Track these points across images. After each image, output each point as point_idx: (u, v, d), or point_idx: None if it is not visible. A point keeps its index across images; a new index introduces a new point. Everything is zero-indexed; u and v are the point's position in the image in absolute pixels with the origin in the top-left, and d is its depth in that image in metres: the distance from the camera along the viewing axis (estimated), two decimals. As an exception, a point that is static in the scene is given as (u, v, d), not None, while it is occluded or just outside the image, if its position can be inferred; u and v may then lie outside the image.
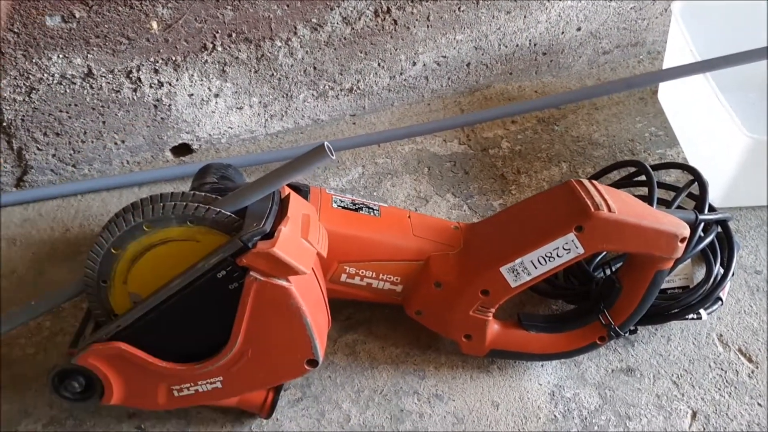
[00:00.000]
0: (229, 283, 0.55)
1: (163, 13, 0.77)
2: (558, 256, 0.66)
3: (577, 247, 0.65)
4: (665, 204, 0.80)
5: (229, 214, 0.57)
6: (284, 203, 0.61)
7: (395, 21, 0.89)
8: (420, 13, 0.89)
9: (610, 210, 0.64)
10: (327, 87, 0.93)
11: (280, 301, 0.55)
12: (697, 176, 0.78)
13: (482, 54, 0.98)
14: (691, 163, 0.92)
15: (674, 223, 0.65)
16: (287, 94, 0.92)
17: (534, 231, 0.67)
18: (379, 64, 0.93)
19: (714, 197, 0.88)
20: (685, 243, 0.66)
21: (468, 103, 1.02)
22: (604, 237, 0.64)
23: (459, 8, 0.91)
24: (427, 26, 0.91)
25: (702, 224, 0.73)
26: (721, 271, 0.76)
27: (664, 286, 0.76)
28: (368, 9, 0.86)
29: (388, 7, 0.87)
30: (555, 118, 0.99)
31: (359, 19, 0.87)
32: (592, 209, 0.63)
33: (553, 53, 1.02)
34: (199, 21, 0.79)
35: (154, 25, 0.78)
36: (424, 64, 0.96)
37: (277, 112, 0.93)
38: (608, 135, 0.97)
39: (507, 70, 1.02)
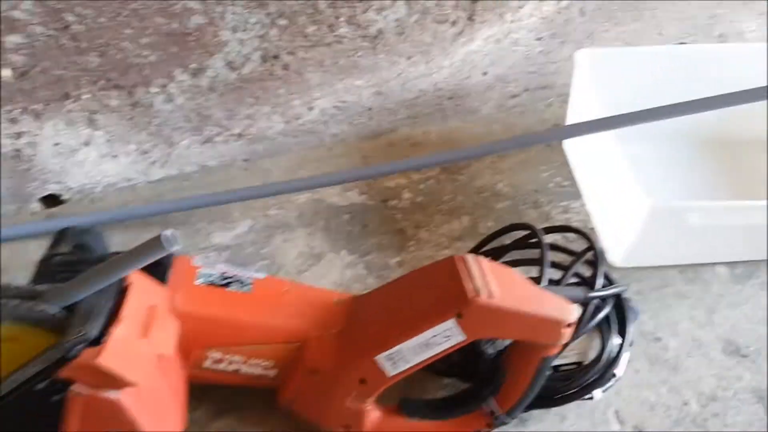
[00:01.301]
0: (50, 395, 0.49)
1: (16, 60, 0.70)
2: (438, 343, 0.61)
3: (457, 334, 0.60)
4: (563, 269, 0.77)
5: (54, 312, 0.51)
6: (124, 295, 0.54)
7: (286, 66, 0.83)
8: (313, 59, 0.84)
9: (490, 295, 0.59)
10: (214, 133, 0.87)
11: (108, 416, 0.49)
12: (591, 242, 0.74)
13: (384, 99, 0.93)
14: (594, 219, 0.89)
15: (560, 308, 0.61)
16: (168, 141, 0.85)
17: (412, 316, 0.62)
18: (271, 109, 0.87)
19: (615, 257, 0.85)
20: (573, 328, 0.62)
21: (371, 149, 0.96)
22: (483, 324, 0.60)
23: (356, 54, 0.85)
24: (322, 71, 0.86)
25: (594, 301, 0.70)
26: (617, 345, 0.73)
27: (556, 362, 0.72)
28: (255, 54, 0.80)
29: (276, 53, 0.81)
30: (459, 167, 0.94)
31: (245, 64, 0.81)
32: (471, 294, 0.59)
33: (460, 98, 0.98)
34: (60, 68, 0.72)
35: (7, 73, 0.70)
36: (322, 109, 0.90)
37: (157, 159, 0.86)
38: (512, 185, 0.93)
39: (412, 114, 0.97)
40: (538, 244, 0.77)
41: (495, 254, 0.81)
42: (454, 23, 0.87)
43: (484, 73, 0.96)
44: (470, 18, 0.88)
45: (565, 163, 0.96)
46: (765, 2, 1.05)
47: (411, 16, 0.84)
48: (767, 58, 0.91)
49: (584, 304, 0.69)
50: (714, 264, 0.87)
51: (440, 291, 0.62)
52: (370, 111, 0.94)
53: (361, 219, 0.88)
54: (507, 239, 0.81)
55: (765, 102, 0.80)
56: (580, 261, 0.74)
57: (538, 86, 1.02)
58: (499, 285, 0.61)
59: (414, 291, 0.65)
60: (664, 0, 0.97)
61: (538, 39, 0.95)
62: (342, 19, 0.81)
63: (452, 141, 0.98)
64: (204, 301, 0.63)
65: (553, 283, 0.74)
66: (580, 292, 0.68)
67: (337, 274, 0.83)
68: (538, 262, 0.72)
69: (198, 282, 0.65)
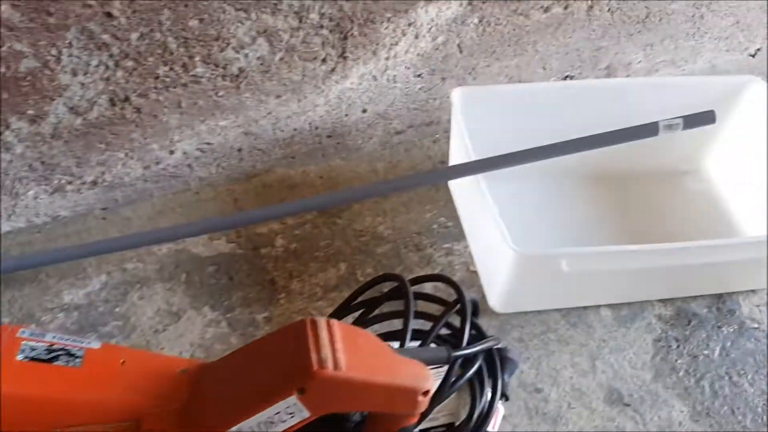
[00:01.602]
0: None
1: None
2: (282, 421, 0.55)
3: (301, 411, 0.55)
4: (433, 319, 0.72)
5: None
6: None
7: (138, 109, 0.77)
8: (168, 101, 0.78)
9: (337, 366, 0.54)
10: (64, 181, 0.80)
11: None
12: (460, 296, 0.70)
13: (255, 139, 0.88)
14: (476, 261, 0.86)
15: (415, 375, 0.57)
16: (11, 192, 0.77)
17: (252, 392, 0.56)
18: (126, 155, 0.81)
19: (495, 303, 0.81)
20: (429, 395, 0.57)
21: (243, 192, 0.91)
22: (330, 398, 0.55)
23: (216, 94, 0.80)
24: (180, 113, 0.80)
25: (461, 359, 0.66)
26: (488, 401, 0.69)
27: (426, 425, 0.67)
28: (101, 98, 0.74)
29: (126, 95, 0.75)
30: (338, 209, 0.90)
31: (91, 108, 0.74)
32: (315, 367, 0.53)
33: (339, 135, 0.93)
34: None
35: None
36: (185, 152, 0.84)
37: (1, 212, 0.79)
38: (394, 227, 0.89)
39: (288, 154, 0.92)
40: (422, 297, 0.73)
41: (368, 306, 0.76)
42: (324, 61, 0.83)
43: (364, 111, 0.92)
44: (342, 55, 0.83)
45: (450, 201, 0.92)
46: (650, 34, 1.05)
47: (275, 54, 0.79)
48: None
49: (450, 363, 0.65)
50: (598, 306, 0.85)
51: (284, 363, 0.56)
52: (240, 152, 0.88)
53: (228, 270, 0.82)
54: (386, 287, 0.77)
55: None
56: (447, 316, 0.69)
57: (423, 122, 0.98)
58: (349, 353, 0.56)
59: (258, 362, 0.59)
60: (546, 34, 0.96)
61: (418, 76, 0.91)
62: (197, 58, 0.75)
63: (333, 180, 0.94)
64: (25, 379, 0.56)
65: (422, 335, 0.70)
66: (443, 351, 0.64)
67: (196, 334, 0.77)
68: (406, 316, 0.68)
69: (20, 357, 0.58)
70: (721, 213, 0.96)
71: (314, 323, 0.59)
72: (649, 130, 0.74)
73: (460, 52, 0.92)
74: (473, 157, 0.78)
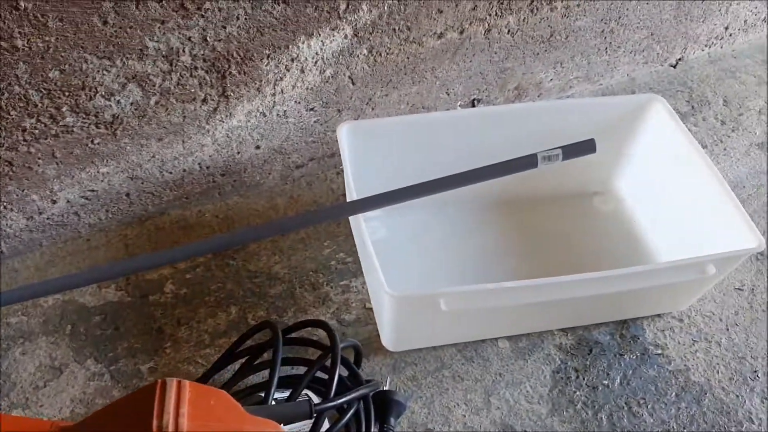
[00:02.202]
0: None
1: None
2: (119, 493, 0.54)
3: (137, 482, 0.53)
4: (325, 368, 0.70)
5: None
6: None
7: (9, 162, 0.75)
8: (41, 152, 0.76)
9: (175, 432, 0.53)
10: (-61, 238, 0.78)
11: None
12: (332, 344, 0.68)
13: (142, 183, 0.86)
14: (372, 298, 0.84)
15: (262, 439, 0.55)
16: None
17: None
18: (5, 207, 0.79)
19: (386, 342, 0.80)
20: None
21: (136, 236, 0.89)
22: (168, 466, 0.53)
23: (92, 141, 0.78)
24: (57, 163, 0.78)
25: (325, 413, 0.64)
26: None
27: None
28: (-37, 153, 0.72)
29: (-9, 149, 0.73)
30: (233, 250, 0.88)
31: (-45, 165, 0.73)
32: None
33: (234, 173, 0.92)
34: None
35: None
36: (68, 201, 0.83)
37: None
38: (290, 266, 0.87)
39: (181, 195, 0.90)
40: (297, 341, 0.72)
41: (252, 354, 0.74)
42: (205, 101, 0.81)
43: (257, 147, 0.90)
44: (223, 95, 0.82)
45: (350, 235, 0.91)
46: (557, 52, 1.04)
47: (149, 99, 0.78)
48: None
49: (315, 417, 0.64)
50: (496, 338, 0.83)
51: (129, 427, 0.55)
52: (129, 197, 0.86)
53: (115, 320, 0.80)
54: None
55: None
56: (318, 365, 0.67)
57: (325, 154, 0.96)
58: (194, 418, 0.54)
59: (110, 425, 0.58)
60: (443, 60, 0.94)
61: (311, 109, 0.90)
62: (64, 108, 0.74)
63: (230, 220, 0.92)
64: None
65: (294, 384, 0.68)
66: (305, 406, 0.62)
67: (78, 389, 0.75)
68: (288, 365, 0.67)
69: None
70: (631, 234, 0.94)
71: (164, 385, 0.57)
72: (527, 162, 0.73)
73: (353, 83, 0.90)
74: (355, 196, 0.76)
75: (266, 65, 0.82)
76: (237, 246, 0.85)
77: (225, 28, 0.76)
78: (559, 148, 0.73)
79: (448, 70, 0.96)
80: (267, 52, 0.80)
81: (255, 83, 0.83)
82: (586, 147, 0.74)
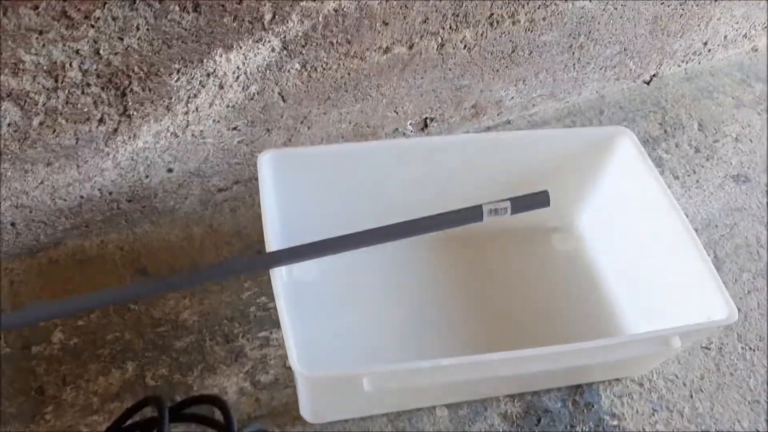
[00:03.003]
0: None
1: None
2: None
3: None
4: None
5: None
6: None
7: None
8: None
9: None
10: None
11: None
12: (228, 425, 0.58)
13: (30, 212, 0.73)
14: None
15: None
16: None
17: None
18: None
19: (305, 413, 0.69)
20: None
21: (24, 271, 0.76)
22: None
23: (-40, 168, 0.66)
24: None
25: None
26: None
27: None
28: None
29: None
30: (137, 290, 0.77)
31: None
32: None
33: (143, 199, 0.79)
34: None
35: None
36: (-64, 232, 0.70)
37: None
38: (201, 313, 0.76)
39: (79, 223, 0.78)
40: (188, 417, 0.61)
41: (143, 428, 0.64)
42: (102, 121, 0.69)
43: (170, 170, 0.78)
44: (125, 113, 0.69)
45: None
46: (520, 69, 0.93)
47: (31, 119, 0.65)
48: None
49: None
50: (434, 406, 0.73)
51: None
52: (15, 227, 0.74)
53: (-12, 377, 0.69)
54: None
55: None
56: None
57: (252, 177, 0.85)
58: None
59: None
60: (391, 77, 0.83)
61: (234, 129, 0.78)
62: None
63: (136, 253, 0.80)
64: None
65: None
66: None
67: (-68, 466, 0.63)
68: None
69: None
70: (590, 279, 0.84)
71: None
72: (471, 215, 0.62)
73: (284, 100, 0.78)
74: (272, 242, 0.65)
75: (176, 81, 0.69)
76: (125, 301, 0.72)
77: (122, 39, 0.63)
78: (507, 200, 0.63)
79: (397, 87, 0.85)
80: (176, 66, 0.68)
81: (163, 101, 0.70)
82: (539, 200, 0.63)
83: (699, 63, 1.15)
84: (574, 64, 0.97)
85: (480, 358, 0.61)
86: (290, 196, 0.74)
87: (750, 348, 0.83)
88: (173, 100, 0.71)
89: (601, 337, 0.77)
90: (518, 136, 0.83)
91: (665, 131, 1.05)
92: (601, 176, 0.84)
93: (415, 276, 0.82)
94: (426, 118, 0.92)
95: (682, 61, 1.12)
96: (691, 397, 0.78)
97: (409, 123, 0.91)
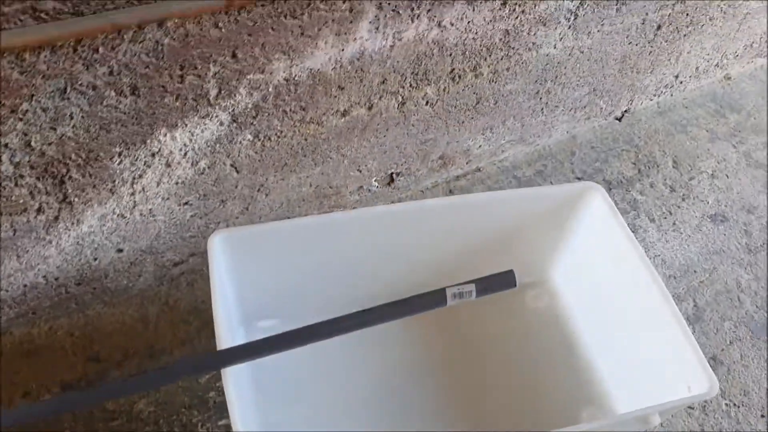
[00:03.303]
0: None
1: None
2: None
3: None
4: None
5: None
6: None
7: None
8: None
9: None
10: None
11: None
12: None
13: (-31, 304, 0.70)
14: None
15: None
16: None
17: None
18: None
19: None
20: None
21: (-34, 365, 0.73)
22: None
23: None
24: None
25: None
26: None
27: None
28: None
29: None
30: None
31: None
32: None
33: (93, 281, 0.75)
34: None
35: None
36: None
37: None
38: (158, 402, 0.72)
39: (25, 311, 0.73)
40: None
41: None
42: (40, 211, 0.65)
43: (119, 250, 0.74)
44: (65, 201, 0.65)
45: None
46: (486, 118, 0.89)
47: (-38, 215, 0.61)
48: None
49: None
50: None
51: None
52: (-47, 321, 0.70)
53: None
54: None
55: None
56: None
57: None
58: None
59: None
60: (351, 138, 0.79)
61: (185, 204, 0.74)
62: None
63: (88, 338, 0.75)
64: None
65: None
66: None
67: None
68: None
69: None
70: (565, 337, 0.81)
71: None
72: (436, 300, 0.59)
73: (237, 171, 0.74)
74: (223, 339, 0.61)
75: (118, 164, 0.65)
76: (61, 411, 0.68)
77: (55, 129, 0.59)
78: (472, 282, 0.59)
79: (358, 147, 0.81)
80: (117, 149, 0.64)
81: (106, 185, 0.66)
82: (505, 281, 0.60)
83: (671, 95, 1.12)
84: (542, 109, 0.94)
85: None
86: (246, 276, 0.70)
87: (734, 404, 0.80)
88: (117, 182, 0.67)
89: (578, 408, 0.74)
90: (486, 198, 0.79)
91: (639, 171, 1.02)
92: (573, 231, 0.80)
93: (381, 347, 0.78)
94: (392, 173, 0.88)
95: (654, 95, 1.09)
96: (676, 463, 0.75)
97: (374, 180, 0.88)
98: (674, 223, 0.96)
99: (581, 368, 0.78)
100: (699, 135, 1.08)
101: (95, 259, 0.73)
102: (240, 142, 0.71)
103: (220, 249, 0.67)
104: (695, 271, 0.91)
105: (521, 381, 0.77)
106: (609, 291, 0.78)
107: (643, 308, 0.72)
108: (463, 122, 0.87)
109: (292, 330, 0.61)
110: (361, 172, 0.85)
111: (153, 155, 0.67)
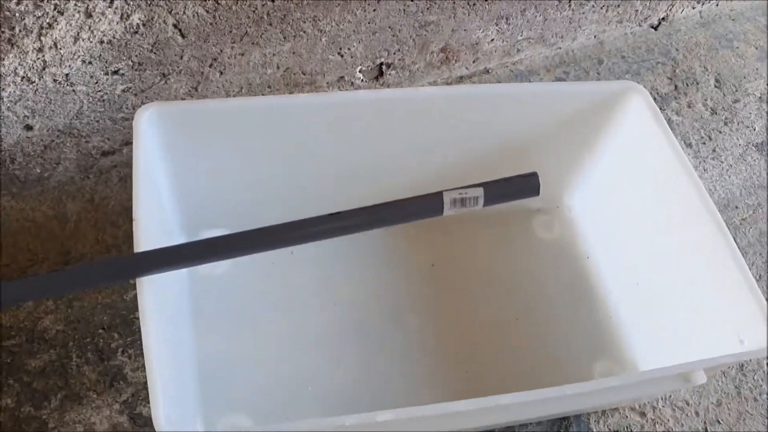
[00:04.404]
0: None
1: None
2: None
3: None
4: None
5: None
6: None
7: None
8: None
9: None
10: None
11: None
12: None
13: None
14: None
15: None
16: None
17: None
18: None
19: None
20: None
21: None
22: None
23: None
24: None
25: None
26: None
27: None
28: None
29: None
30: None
31: None
32: None
33: (-5, 164, 0.60)
34: None
35: None
36: None
37: None
38: (69, 319, 0.56)
39: None
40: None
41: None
42: None
43: (28, 127, 0.58)
44: (-57, 48, 0.49)
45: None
46: (503, 3, 0.73)
47: None
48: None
49: None
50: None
51: None
52: None
53: None
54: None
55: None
56: None
57: (149, 136, 0.65)
58: None
59: None
60: (332, 7, 0.62)
61: (115, 73, 0.58)
62: None
63: (-12, 236, 0.61)
64: None
65: None
66: None
67: None
68: None
69: None
70: (581, 276, 0.65)
71: None
72: (428, 206, 0.44)
73: (182, 35, 0.58)
74: (142, 239, 0.46)
75: (17, 3, 0.49)
76: None
77: None
78: (479, 186, 0.44)
79: (340, 21, 0.65)
80: (14, -19, 0.48)
81: (2, 31, 0.50)
82: (525, 187, 0.45)
83: (717, 4, 0.95)
84: (570, 1, 0.78)
85: (442, 408, 0.44)
86: (187, 169, 0.55)
87: (777, 365, 0.66)
88: (18, 31, 0.50)
89: (598, 362, 0.60)
90: (501, 90, 0.64)
91: (675, 87, 0.86)
92: (602, 143, 0.65)
93: (358, 273, 0.63)
94: (381, 64, 0.72)
95: (698, 2, 0.92)
96: (706, 430, 0.62)
97: (358, 69, 0.71)
98: (714, 150, 0.81)
99: (598, 313, 0.63)
100: (747, 52, 0.92)
101: (-5, 137, 0.58)
102: (186, -6, 0.55)
103: (151, 128, 0.51)
104: (736, 207, 0.76)
105: (527, 327, 0.62)
106: (640, 221, 0.63)
107: (686, 243, 0.58)
108: (474, 4, 0.71)
109: (240, 232, 0.46)
110: (342, 56, 0.69)
111: (65, -3, 0.50)
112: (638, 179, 0.63)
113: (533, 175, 0.46)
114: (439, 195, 0.44)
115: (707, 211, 0.55)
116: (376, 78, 0.74)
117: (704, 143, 0.81)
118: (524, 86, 0.71)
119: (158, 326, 0.44)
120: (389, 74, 0.74)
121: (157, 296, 0.45)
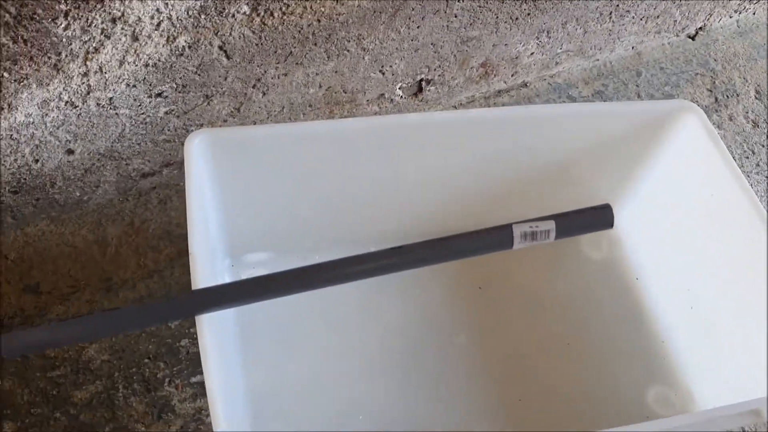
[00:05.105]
0: None
1: None
2: None
3: None
4: None
5: None
6: None
7: None
8: None
9: None
10: None
11: None
12: None
13: None
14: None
15: None
16: None
17: None
18: None
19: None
20: None
21: None
22: None
23: None
24: None
25: None
26: None
27: None
28: None
29: None
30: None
31: None
32: None
33: (36, 189, 0.56)
34: None
35: None
36: None
37: None
38: (114, 349, 0.55)
39: (-56, 222, 0.57)
40: None
41: None
42: (-46, 86, 0.48)
43: (70, 152, 0.57)
44: (-11, 75, 0.48)
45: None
46: (544, 17, 0.71)
47: None
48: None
49: None
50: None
51: None
52: None
53: None
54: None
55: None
56: None
57: (189, 158, 0.64)
58: None
59: None
60: (376, 25, 0.61)
61: (158, 96, 0.56)
62: None
63: (27, 260, 0.58)
64: None
65: None
66: None
67: None
68: None
69: None
70: (634, 300, 0.64)
71: None
72: (497, 240, 0.42)
73: (227, 57, 0.57)
74: (199, 277, 0.44)
75: (64, 28, 0.48)
76: None
77: (-35, -38, 0.42)
78: (550, 219, 0.43)
79: (384, 39, 0.63)
80: (62, 6, 0.46)
81: (47, 57, 0.49)
82: (598, 219, 0.43)
83: (754, 13, 0.94)
84: (611, 13, 0.76)
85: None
86: (234, 193, 0.53)
87: (831, 388, 0.65)
88: (63, 56, 0.49)
89: (652, 388, 0.59)
90: (551, 111, 0.62)
91: (716, 99, 0.85)
92: (651, 163, 0.63)
93: (404, 297, 0.61)
94: (421, 80, 0.71)
95: (735, 11, 0.91)
96: (761, 458, 0.60)
97: (398, 87, 0.70)
98: (758, 164, 0.79)
99: (650, 337, 0.62)
100: (786, 62, 0.90)
101: (37, 161, 0.56)
102: (233, 16, 0.53)
103: (201, 154, 0.50)
104: (783, 224, 0.75)
105: (573, 352, 0.61)
106: (693, 241, 0.62)
107: (744, 264, 0.56)
108: (517, 19, 0.69)
109: (291, 269, 0.45)
110: (383, 74, 0.67)
111: (114, 21, 0.49)
112: (691, 199, 0.61)
113: (606, 207, 0.44)
114: (508, 228, 0.42)
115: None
116: (415, 94, 0.73)
117: (747, 157, 0.80)
118: (575, 107, 0.70)
119: (218, 364, 0.42)
120: (428, 90, 0.73)
121: (216, 333, 0.44)
